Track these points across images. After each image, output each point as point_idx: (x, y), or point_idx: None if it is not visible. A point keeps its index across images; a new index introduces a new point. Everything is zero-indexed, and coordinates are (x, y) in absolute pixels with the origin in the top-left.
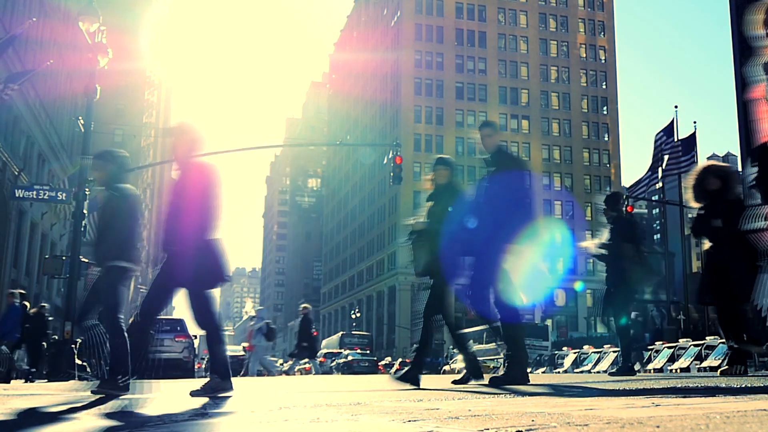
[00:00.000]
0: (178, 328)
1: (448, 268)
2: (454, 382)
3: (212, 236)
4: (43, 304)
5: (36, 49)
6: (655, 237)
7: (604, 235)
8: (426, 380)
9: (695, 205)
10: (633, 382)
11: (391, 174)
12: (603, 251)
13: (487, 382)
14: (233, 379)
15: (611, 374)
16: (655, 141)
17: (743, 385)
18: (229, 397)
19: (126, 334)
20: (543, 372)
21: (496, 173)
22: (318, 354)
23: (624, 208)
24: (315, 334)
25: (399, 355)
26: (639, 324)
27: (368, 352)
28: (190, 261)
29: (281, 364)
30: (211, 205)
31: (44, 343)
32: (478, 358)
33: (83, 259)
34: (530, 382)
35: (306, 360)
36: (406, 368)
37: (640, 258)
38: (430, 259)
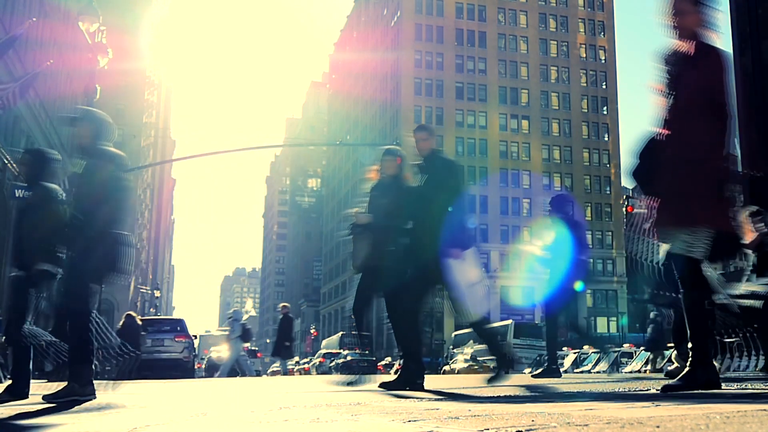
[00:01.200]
0: (178, 328)
1: (393, 264)
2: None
3: (118, 229)
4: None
5: (36, 49)
6: None
7: (548, 237)
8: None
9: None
10: (633, 382)
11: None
12: (546, 254)
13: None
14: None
15: (534, 376)
16: None
17: (743, 386)
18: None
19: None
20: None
21: (429, 179)
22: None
23: (572, 211)
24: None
25: (399, 355)
26: (658, 325)
27: (367, 352)
28: (91, 250)
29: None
30: (118, 197)
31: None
32: (479, 358)
33: None
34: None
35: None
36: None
37: (582, 261)
38: (372, 254)
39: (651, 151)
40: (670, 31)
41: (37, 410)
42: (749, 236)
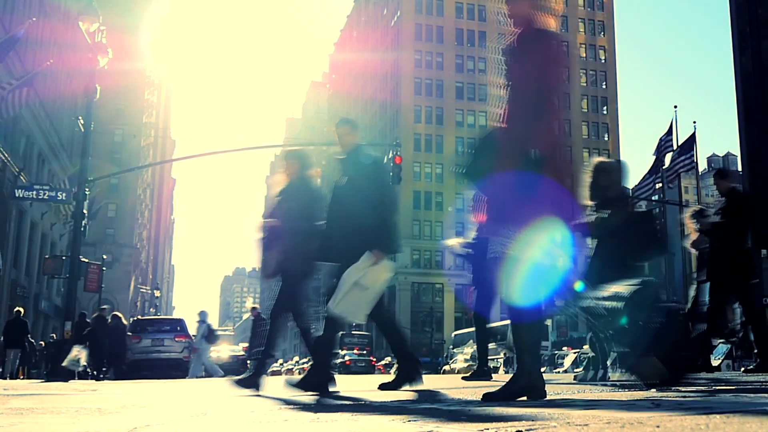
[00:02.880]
0: (178, 328)
1: (301, 267)
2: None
3: None
4: (104, 306)
5: (36, 49)
6: None
7: (471, 234)
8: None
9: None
10: (632, 382)
11: (391, 174)
12: (469, 250)
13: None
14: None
15: (465, 378)
16: (658, 143)
17: (742, 385)
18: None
19: None
20: (542, 372)
21: (351, 177)
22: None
23: None
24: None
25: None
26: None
27: (365, 352)
28: None
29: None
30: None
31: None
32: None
33: (83, 259)
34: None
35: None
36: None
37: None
38: (283, 259)
39: (485, 147)
40: (506, 19)
41: (32, 409)
42: (692, 235)
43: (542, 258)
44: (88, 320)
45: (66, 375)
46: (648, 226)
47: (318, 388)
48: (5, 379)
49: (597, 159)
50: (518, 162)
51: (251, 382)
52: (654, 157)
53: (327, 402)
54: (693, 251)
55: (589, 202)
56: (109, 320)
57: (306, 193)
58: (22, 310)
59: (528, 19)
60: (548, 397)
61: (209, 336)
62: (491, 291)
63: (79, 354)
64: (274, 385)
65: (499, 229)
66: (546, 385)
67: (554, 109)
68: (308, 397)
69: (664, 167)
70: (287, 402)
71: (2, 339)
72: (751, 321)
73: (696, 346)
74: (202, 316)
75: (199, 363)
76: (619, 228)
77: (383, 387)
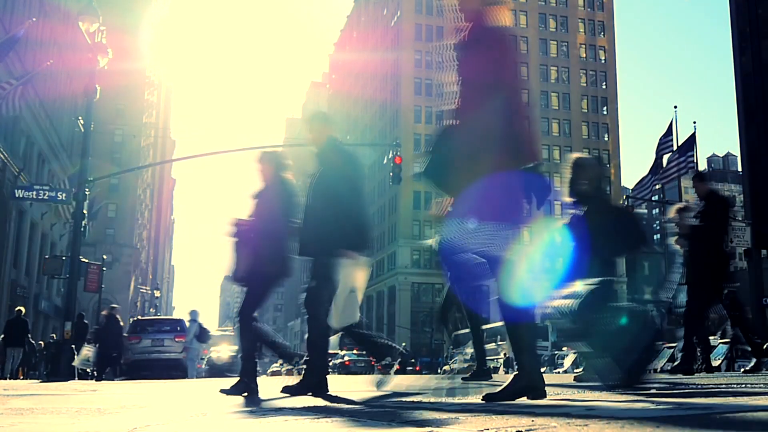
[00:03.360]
0: (178, 329)
1: (273, 270)
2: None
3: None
4: (114, 305)
5: (36, 49)
6: (655, 237)
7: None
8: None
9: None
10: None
11: (391, 174)
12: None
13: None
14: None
15: (464, 379)
16: (658, 144)
17: (742, 385)
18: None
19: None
20: (543, 372)
21: (323, 172)
22: None
23: None
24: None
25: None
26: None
27: (363, 353)
28: None
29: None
30: None
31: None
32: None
33: (83, 259)
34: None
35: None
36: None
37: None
38: (254, 261)
39: (442, 145)
40: (456, 14)
41: (32, 409)
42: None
43: (523, 256)
44: (85, 321)
45: (66, 375)
46: (627, 221)
47: (314, 390)
48: (5, 379)
49: (574, 155)
50: (477, 158)
51: (245, 387)
52: (654, 157)
53: (325, 403)
54: (679, 248)
55: (568, 199)
56: (106, 320)
57: (281, 195)
58: (23, 309)
59: (479, 14)
60: (548, 397)
61: (201, 335)
62: (470, 287)
63: (88, 353)
64: (273, 385)
65: (463, 224)
66: (546, 386)
67: (521, 106)
68: (307, 399)
69: (662, 168)
70: (287, 402)
71: (2, 338)
72: (738, 323)
73: (648, 349)
74: (193, 315)
75: (193, 363)
76: (597, 224)
77: (286, 390)
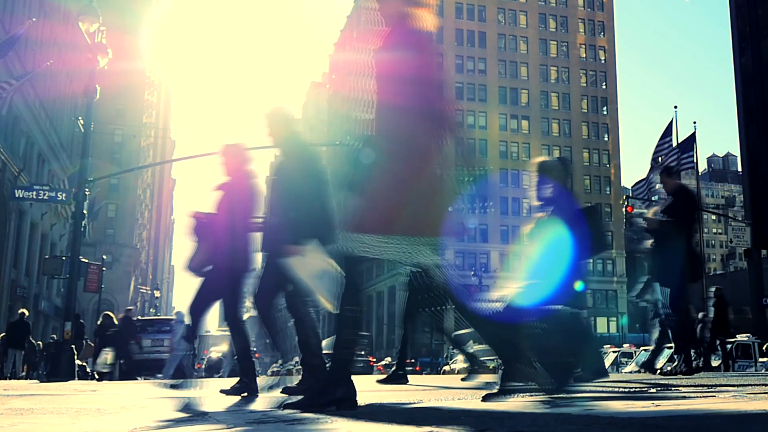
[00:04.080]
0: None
1: (231, 264)
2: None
3: None
4: (130, 307)
5: (36, 49)
6: None
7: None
8: (423, 380)
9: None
10: (632, 383)
11: None
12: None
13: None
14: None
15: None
16: (656, 146)
17: (743, 386)
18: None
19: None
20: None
21: (285, 168)
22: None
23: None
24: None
25: None
26: (705, 324)
27: (363, 352)
28: None
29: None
30: None
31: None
32: (480, 358)
33: (83, 260)
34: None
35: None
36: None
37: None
38: (213, 254)
39: (361, 154)
40: (380, 20)
41: (32, 409)
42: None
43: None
44: (81, 321)
45: (66, 375)
46: (591, 223)
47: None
48: (8, 379)
49: (539, 158)
50: (401, 164)
51: (245, 388)
52: (652, 158)
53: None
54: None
55: (535, 202)
56: (101, 320)
57: (243, 189)
58: (26, 312)
59: (399, 17)
60: (548, 397)
61: (188, 335)
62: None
63: (107, 355)
64: (274, 385)
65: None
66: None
67: (445, 112)
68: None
69: (660, 168)
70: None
71: (1, 338)
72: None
73: (574, 352)
74: (179, 316)
75: (174, 362)
76: (562, 226)
77: (286, 391)
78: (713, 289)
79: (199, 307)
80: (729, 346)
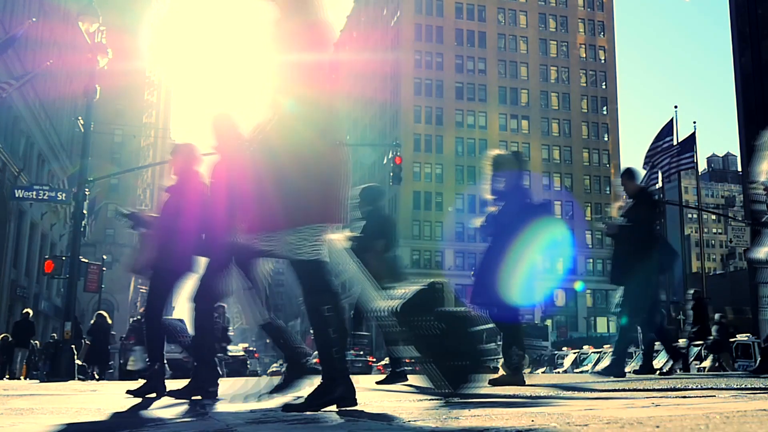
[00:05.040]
0: (178, 329)
1: (175, 266)
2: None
3: None
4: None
5: (36, 49)
6: None
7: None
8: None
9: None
10: (632, 382)
11: (391, 174)
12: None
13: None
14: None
15: (379, 383)
16: (651, 145)
17: (743, 386)
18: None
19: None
20: (543, 372)
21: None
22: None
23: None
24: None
25: None
26: (723, 326)
27: (362, 353)
28: None
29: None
30: None
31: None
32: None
33: (83, 259)
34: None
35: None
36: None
37: (391, 255)
38: (157, 255)
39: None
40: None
41: (32, 409)
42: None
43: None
44: (80, 325)
45: (66, 375)
46: (541, 217)
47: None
48: (13, 378)
49: (494, 152)
50: (301, 156)
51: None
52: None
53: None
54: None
55: (489, 196)
56: (94, 320)
57: (190, 190)
58: (30, 311)
59: (291, 5)
60: (548, 397)
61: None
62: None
63: (136, 359)
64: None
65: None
66: (544, 380)
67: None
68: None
69: (660, 169)
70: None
71: (11, 339)
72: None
73: (473, 355)
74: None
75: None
76: (513, 220)
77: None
78: (692, 291)
79: (153, 314)
80: (696, 348)
